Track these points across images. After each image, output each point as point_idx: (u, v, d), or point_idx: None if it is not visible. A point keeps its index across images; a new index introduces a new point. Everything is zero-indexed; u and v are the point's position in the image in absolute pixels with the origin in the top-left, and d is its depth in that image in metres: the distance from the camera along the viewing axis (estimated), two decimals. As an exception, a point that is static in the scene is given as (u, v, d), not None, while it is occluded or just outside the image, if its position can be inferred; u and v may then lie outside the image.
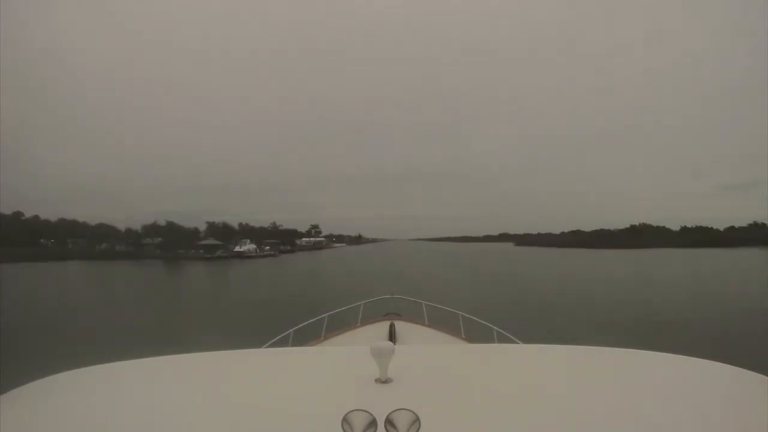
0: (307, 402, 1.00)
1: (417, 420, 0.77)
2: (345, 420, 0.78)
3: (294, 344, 2.81)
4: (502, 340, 2.93)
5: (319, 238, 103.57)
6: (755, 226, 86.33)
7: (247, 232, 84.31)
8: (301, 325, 3.10)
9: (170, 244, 69.09)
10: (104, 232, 73.53)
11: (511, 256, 61.87)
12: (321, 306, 3.75)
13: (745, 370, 1.09)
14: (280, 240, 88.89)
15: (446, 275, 29.48)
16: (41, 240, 69.48)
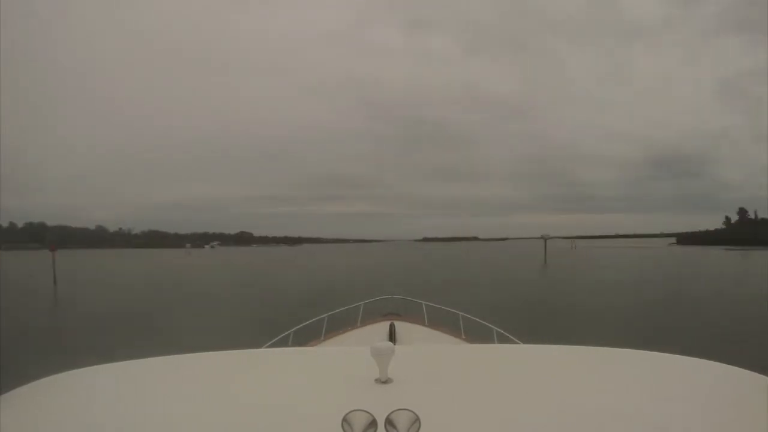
0: (307, 402, 1.00)
1: (417, 420, 0.76)
2: (345, 420, 0.77)
3: (294, 345, 2.82)
4: (502, 340, 2.93)
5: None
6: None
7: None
8: (300, 326, 3.11)
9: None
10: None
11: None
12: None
13: (745, 370, 1.09)
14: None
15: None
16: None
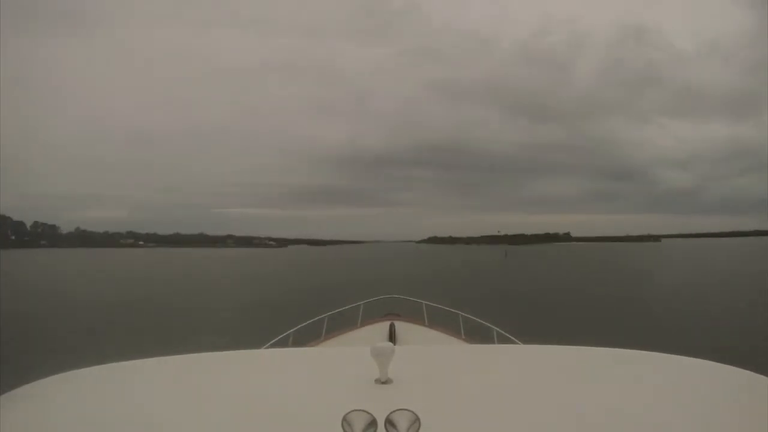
0: (307, 402, 1.00)
1: (417, 420, 0.76)
2: (345, 420, 0.77)
3: (294, 345, 2.81)
4: (502, 340, 2.92)
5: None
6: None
7: None
8: (301, 326, 3.10)
9: None
10: None
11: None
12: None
13: (745, 371, 1.09)
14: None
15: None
16: None
